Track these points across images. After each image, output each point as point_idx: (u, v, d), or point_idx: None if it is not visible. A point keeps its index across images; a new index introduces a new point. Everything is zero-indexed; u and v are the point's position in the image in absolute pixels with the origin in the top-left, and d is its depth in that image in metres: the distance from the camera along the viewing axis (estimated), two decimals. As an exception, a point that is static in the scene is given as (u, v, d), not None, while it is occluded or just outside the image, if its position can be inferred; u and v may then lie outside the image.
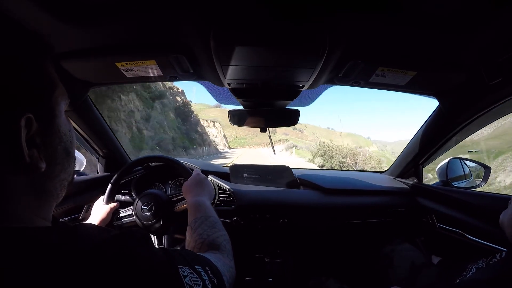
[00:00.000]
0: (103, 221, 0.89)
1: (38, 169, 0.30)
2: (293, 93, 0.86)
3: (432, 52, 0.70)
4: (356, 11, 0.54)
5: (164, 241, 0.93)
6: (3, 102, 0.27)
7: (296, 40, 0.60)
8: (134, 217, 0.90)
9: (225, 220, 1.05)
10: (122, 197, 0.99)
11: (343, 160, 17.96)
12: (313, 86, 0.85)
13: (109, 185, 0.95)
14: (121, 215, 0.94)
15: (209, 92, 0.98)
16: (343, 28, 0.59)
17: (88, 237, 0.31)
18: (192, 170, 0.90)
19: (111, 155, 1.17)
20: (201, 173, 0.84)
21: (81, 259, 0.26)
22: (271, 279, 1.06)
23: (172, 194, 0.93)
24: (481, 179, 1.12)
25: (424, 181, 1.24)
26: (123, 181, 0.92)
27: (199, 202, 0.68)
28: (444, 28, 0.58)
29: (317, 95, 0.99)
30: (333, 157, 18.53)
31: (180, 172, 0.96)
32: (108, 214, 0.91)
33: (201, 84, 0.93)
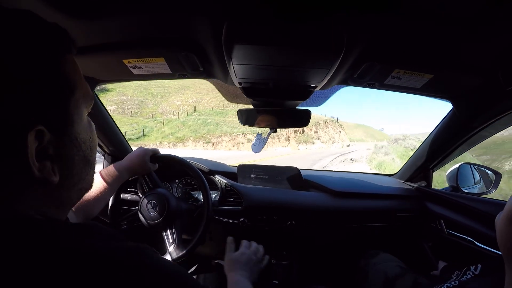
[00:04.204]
0: (131, 168, 0.81)
1: (49, 183, 0.28)
2: (305, 93, 0.84)
3: (450, 54, 0.68)
4: (374, 11, 0.52)
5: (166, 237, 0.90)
6: (7, 114, 0.24)
7: (313, 40, 0.58)
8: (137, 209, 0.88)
9: (232, 221, 1.04)
10: (128, 196, 0.97)
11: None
12: (326, 87, 0.83)
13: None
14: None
15: (218, 90, 0.97)
16: (361, 29, 0.57)
17: (101, 237, 0.29)
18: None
19: (117, 153, 1.16)
20: (246, 252, 0.80)
21: (92, 259, 0.25)
22: (276, 282, 1.05)
23: (181, 205, 0.90)
24: (491, 186, 1.10)
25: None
26: (131, 178, 0.90)
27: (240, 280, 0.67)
28: (464, 30, 0.57)
29: (329, 96, 0.97)
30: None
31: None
32: (142, 166, 0.84)
33: (210, 82, 0.91)
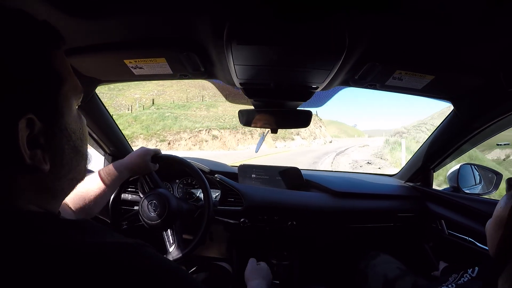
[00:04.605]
0: (131, 168, 0.81)
1: (40, 171, 0.28)
2: (306, 94, 0.84)
3: (452, 55, 0.68)
4: (374, 11, 0.52)
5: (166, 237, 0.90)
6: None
7: (314, 40, 0.58)
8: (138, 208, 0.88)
9: (233, 221, 1.04)
10: (129, 196, 0.97)
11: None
12: (327, 88, 0.83)
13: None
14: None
15: (220, 91, 0.97)
16: (362, 29, 0.57)
17: (95, 233, 0.29)
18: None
19: (118, 153, 1.16)
20: (265, 267, 0.86)
21: (84, 254, 0.25)
22: (277, 282, 1.05)
23: (181, 205, 0.90)
24: (492, 186, 1.10)
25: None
26: (132, 178, 0.90)
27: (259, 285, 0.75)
28: (465, 30, 0.57)
29: (330, 96, 0.97)
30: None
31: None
32: (143, 166, 0.83)
33: (211, 82, 0.91)
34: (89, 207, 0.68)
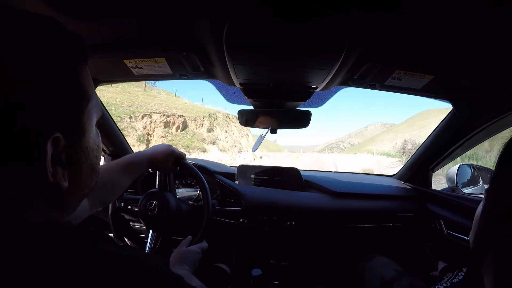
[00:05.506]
0: (152, 162, 0.77)
1: (60, 188, 0.28)
2: (305, 94, 0.85)
3: (451, 55, 0.68)
4: (374, 11, 0.52)
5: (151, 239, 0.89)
6: (31, 122, 0.25)
7: (314, 41, 0.58)
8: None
9: (232, 221, 1.04)
10: (129, 196, 0.97)
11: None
12: (327, 88, 0.83)
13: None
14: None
15: (219, 91, 0.97)
16: (362, 29, 0.57)
17: (97, 243, 0.30)
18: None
19: (118, 153, 1.16)
20: (200, 252, 0.77)
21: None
22: (276, 282, 1.05)
23: (180, 206, 0.90)
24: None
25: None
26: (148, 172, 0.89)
27: (186, 275, 0.65)
28: (464, 30, 0.57)
29: (329, 96, 0.97)
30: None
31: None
32: (163, 164, 0.79)
33: (210, 82, 0.91)
34: (106, 196, 0.66)
